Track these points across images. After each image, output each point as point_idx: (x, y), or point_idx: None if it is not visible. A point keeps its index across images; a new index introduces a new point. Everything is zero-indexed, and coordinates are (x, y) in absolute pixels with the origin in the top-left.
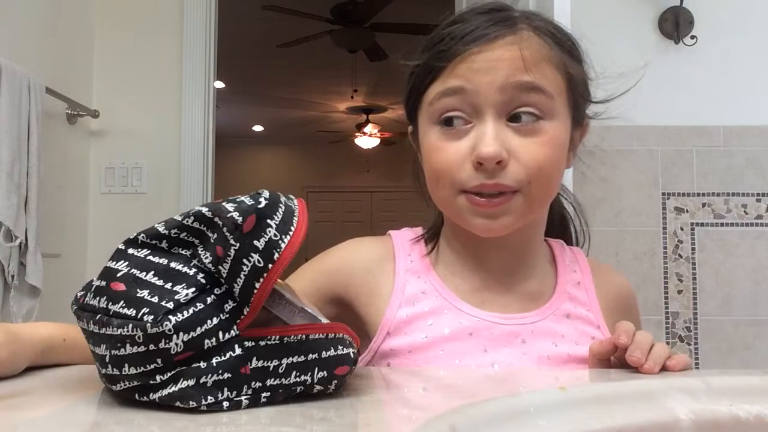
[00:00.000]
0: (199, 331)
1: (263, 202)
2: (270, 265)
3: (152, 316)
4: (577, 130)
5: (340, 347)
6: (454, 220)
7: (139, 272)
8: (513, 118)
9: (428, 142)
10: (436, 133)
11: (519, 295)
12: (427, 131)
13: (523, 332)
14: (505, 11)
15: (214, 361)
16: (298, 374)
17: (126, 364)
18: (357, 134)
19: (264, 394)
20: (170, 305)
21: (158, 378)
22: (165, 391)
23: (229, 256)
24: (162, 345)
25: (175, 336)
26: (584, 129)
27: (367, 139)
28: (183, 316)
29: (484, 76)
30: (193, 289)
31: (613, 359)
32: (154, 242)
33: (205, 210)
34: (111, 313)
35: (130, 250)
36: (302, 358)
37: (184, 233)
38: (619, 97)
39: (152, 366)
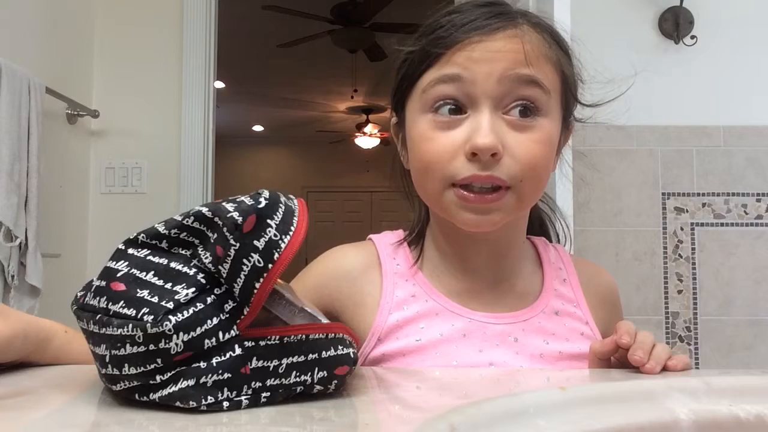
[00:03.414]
0: (199, 331)
1: (263, 202)
2: (270, 265)
3: (152, 316)
4: (563, 132)
5: (340, 347)
6: (440, 213)
7: (139, 272)
8: (509, 111)
9: (418, 132)
10: (428, 122)
11: (506, 294)
12: (417, 120)
13: (514, 331)
14: (503, 5)
15: (214, 361)
16: (298, 374)
17: (126, 364)
18: (357, 134)
19: (264, 394)
20: (170, 305)
21: (158, 378)
22: (165, 391)
23: (229, 256)
24: (162, 345)
25: (175, 336)
26: (569, 132)
27: (367, 139)
28: (183, 316)
29: (484, 66)
30: (193, 289)
31: (614, 359)
32: (154, 242)
33: (205, 210)
34: (111, 313)
35: (130, 250)
36: (302, 358)
37: (184, 233)
38: (609, 102)
39: (152, 366)
